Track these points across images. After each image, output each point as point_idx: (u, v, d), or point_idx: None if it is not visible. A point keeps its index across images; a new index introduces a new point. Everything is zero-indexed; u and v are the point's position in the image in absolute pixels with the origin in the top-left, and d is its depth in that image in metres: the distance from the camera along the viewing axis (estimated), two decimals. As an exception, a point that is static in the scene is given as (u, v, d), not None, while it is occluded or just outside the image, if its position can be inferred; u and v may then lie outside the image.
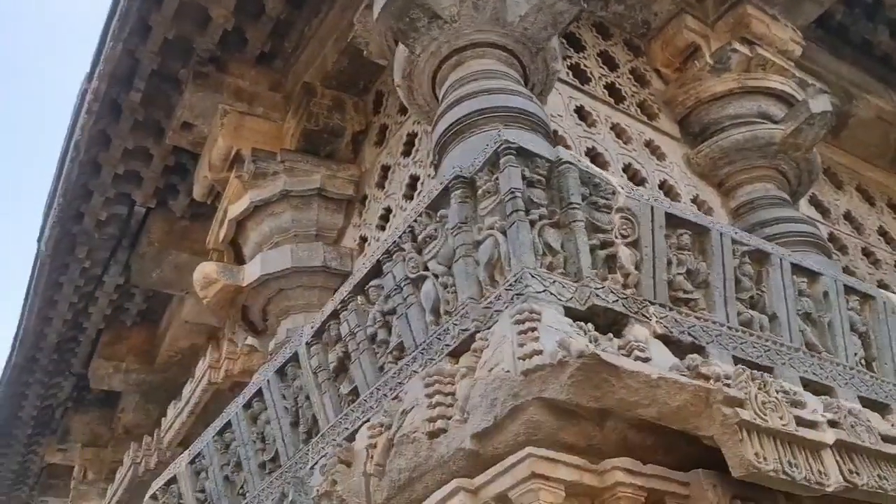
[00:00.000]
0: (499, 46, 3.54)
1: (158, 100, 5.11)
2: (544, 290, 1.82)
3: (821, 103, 4.14)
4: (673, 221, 2.21)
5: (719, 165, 4.33)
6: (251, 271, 4.53)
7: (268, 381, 2.84)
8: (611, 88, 4.36)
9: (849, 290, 2.47)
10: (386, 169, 4.54)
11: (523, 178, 1.99)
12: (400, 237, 2.29)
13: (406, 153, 4.37)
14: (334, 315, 2.56)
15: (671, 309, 2.02)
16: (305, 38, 4.96)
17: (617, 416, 1.61)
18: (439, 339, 2.04)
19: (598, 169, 2.13)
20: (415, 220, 2.25)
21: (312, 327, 2.68)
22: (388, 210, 4.36)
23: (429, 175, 4.07)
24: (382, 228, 4.38)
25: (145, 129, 5.30)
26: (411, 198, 4.19)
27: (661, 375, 1.54)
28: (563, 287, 1.87)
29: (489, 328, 1.87)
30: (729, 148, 4.27)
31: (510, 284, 1.89)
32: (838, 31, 5.26)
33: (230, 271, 4.55)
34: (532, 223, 1.96)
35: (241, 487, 2.98)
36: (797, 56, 4.64)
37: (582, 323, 1.76)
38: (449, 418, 1.77)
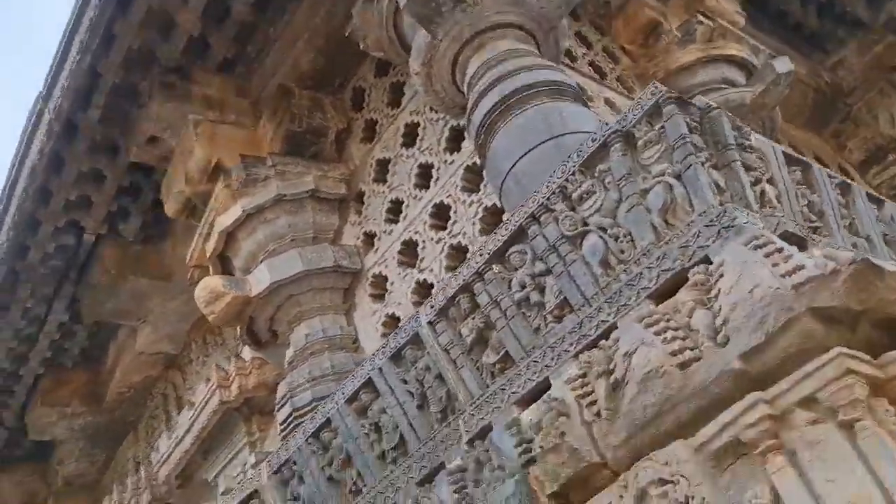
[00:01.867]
0: (515, 26, 3.67)
1: (116, 117, 4.84)
2: (748, 222, 1.96)
3: (784, 64, 4.55)
4: (787, 159, 2.41)
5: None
6: (259, 280, 4.38)
7: (379, 369, 2.80)
8: (593, 66, 4.57)
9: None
10: (384, 163, 4.53)
11: (686, 125, 2.12)
12: (548, 199, 2.35)
13: (408, 144, 4.39)
14: (464, 289, 2.58)
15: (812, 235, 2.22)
16: (270, 40, 4.85)
17: (867, 318, 1.77)
18: (631, 285, 2.13)
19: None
20: (566, 180, 2.32)
21: (433, 307, 2.67)
22: (397, 202, 4.36)
23: (444, 161, 4.12)
24: (392, 221, 4.38)
25: (101, 150, 5.00)
26: (424, 186, 4.21)
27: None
28: (754, 217, 2.02)
29: (701, 262, 1.98)
30: (705, 112, 4.59)
31: (712, 220, 2.01)
32: (758, 4, 5.76)
33: (237, 283, 4.38)
34: (701, 165, 2.09)
35: (354, 483, 2.92)
36: (741, 26, 5.05)
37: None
38: (693, 348, 1.87)
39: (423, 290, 4.10)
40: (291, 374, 4.25)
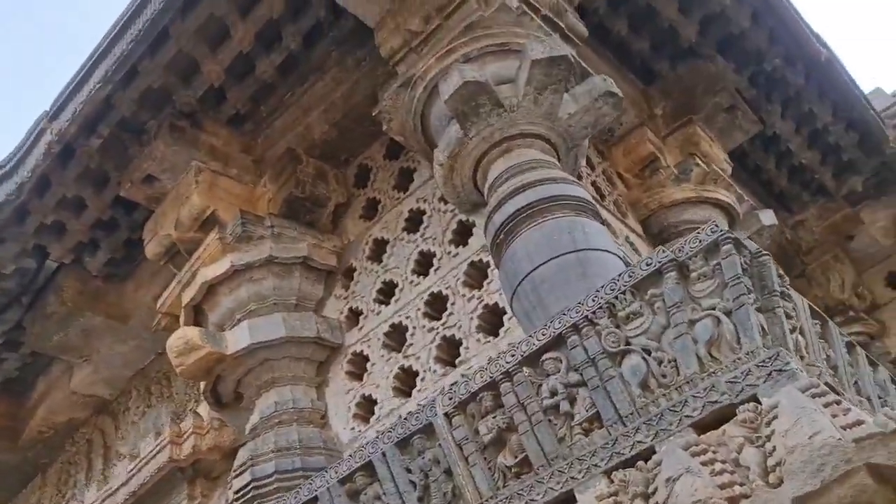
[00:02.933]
0: (543, 138, 3.83)
1: (116, 150, 4.77)
2: (799, 369, 2.06)
3: (769, 217, 4.86)
4: (812, 313, 2.56)
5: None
6: (238, 339, 4.28)
7: (383, 453, 2.75)
8: (595, 186, 4.77)
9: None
10: (381, 243, 4.56)
11: (741, 266, 2.25)
12: (594, 312, 2.42)
13: (410, 230, 4.44)
14: (490, 386, 2.59)
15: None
16: (284, 104, 4.91)
17: (911, 478, 1.87)
18: (674, 411, 2.19)
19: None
20: (615, 297, 2.40)
21: (451, 399, 2.67)
22: (390, 284, 4.37)
23: (448, 252, 4.18)
24: (382, 302, 4.38)
25: (91, 180, 4.89)
26: (422, 273, 4.25)
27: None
28: (800, 364, 2.13)
29: (750, 400, 2.06)
30: (692, 249, 4.82)
31: (763, 361, 2.11)
32: (737, 157, 6.15)
33: (213, 338, 4.26)
34: (751, 306, 2.21)
35: (332, 571, 2.81)
36: (728, 174, 5.38)
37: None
38: (743, 484, 1.92)
39: (406, 376, 4.08)
40: (255, 442, 4.10)
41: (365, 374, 4.26)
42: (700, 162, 5.03)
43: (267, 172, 4.86)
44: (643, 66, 5.30)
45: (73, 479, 5.97)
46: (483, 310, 3.86)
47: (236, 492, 3.98)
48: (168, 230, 4.72)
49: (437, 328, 4.01)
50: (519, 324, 3.49)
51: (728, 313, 2.24)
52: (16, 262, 5.18)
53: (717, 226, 2.34)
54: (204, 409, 4.69)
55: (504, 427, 2.54)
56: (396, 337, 4.22)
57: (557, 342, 2.49)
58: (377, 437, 2.82)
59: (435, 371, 3.91)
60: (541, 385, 2.50)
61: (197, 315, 4.66)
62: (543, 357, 2.51)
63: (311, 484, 2.94)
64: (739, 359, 2.18)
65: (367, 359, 4.28)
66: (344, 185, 4.91)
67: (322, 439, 4.11)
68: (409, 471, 2.71)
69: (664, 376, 2.28)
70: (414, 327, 4.12)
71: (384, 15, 4.18)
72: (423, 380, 3.95)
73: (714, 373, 2.20)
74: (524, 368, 2.54)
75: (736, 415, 2.07)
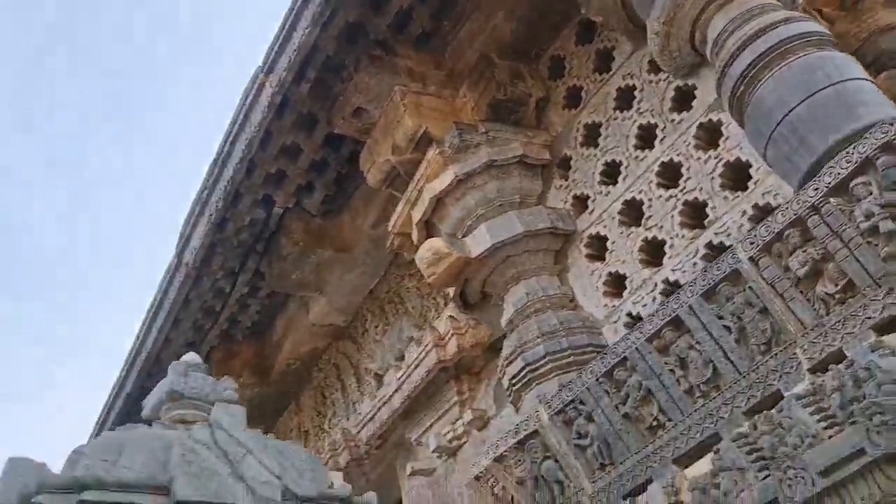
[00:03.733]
0: (761, -20, 3.72)
1: (321, 90, 5.04)
2: None
3: None
4: None
5: (901, 92, 4.63)
6: (479, 241, 4.53)
7: (689, 306, 2.91)
8: (800, 26, 4.59)
9: None
10: (592, 127, 4.63)
11: None
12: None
13: (622, 108, 4.48)
14: (795, 223, 2.67)
15: None
16: (465, 14, 4.99)
17: None
18: None
19: None
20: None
21: (753, 243, 2.76)
22: (613, 164, 4.46)
23: (671, 120, 4.20)
24: (607, 183, 4.48)
25: (304, 124, 5.20)
26: (646, 147, 4.31)
27: None
28: None
29: None
30: (916, 71, 4.58)
31: None
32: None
33: (457, 244, 4.53)
34: None
35: (655, 419, 3.03)
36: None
37: None
38: None
39: (651, 247, 4.19)
40: (517, 331, 4.38)
41: (606, 254, 4.41)
42: (909, -23, 4.72)
43: (464, 83, 5.00)
44: None
45: (328, 399, 6.57)
46: (724, 167, 3.89)
47: (511, 377, 4.28)
48: (386, 156, 4.99)
49: (676, 195, 4.08)
50: (774, 171, 3.50)
51: None
52: (250, 213, 5.64)
53: None
54: (453, 311, 5.01)
55: (819, 258, 2.62)
56: (631, 213, 4.33)
57: (865, 166, 2.52)
58: (678, 293, 2.97)
59: (683, 236, 4.01)
60: (852, 211, 2.54)
61: (429, 229, 4.95)
62: (853, 183, 2.54)
63: (615, 348, 3.15)
64: None
65: (605, 239, 4.43)
66: (540, 79, 4.98)
67: (579, 319, 4.33)
68: (720, 317, 2.85)
69: None
70: (650, 199, 4.21)
71: None
72: (671, 246, 4.05)
73: None
74: (831, 199, 2.59)
75: None
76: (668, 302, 3.00)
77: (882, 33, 4.75)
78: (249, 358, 6.96)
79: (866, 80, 3.31)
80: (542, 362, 4.19)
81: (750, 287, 2.77)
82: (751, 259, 2.76)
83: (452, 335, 4.83)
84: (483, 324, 4.90)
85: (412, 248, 5.08)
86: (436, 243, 4.51)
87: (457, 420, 4.96)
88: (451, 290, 4.87)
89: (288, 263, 5.95)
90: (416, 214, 4.90)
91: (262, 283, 6.32)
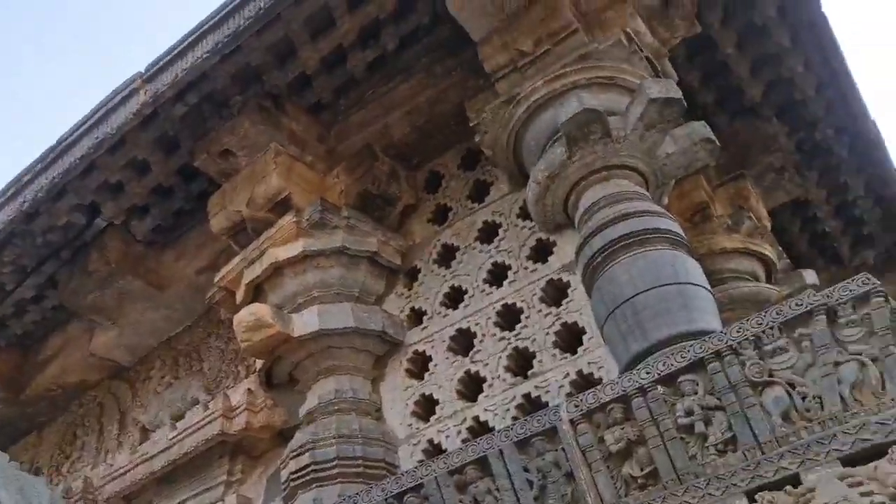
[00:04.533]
0: (639, 172, 4.02)
1: (195, 120, 4.81)
2: (945, 417, 2.26)
3: (811, 276, 5.12)
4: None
5: (723, 310, 5.08)
6: (307, 322, 4.33)
7: (500, 450, 2.86)
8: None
9: None
10: (450, 248, 4.67)
11: (889, 318, 2.45)
12: (739, 343, 2.59)
13: (483, 240, 4.57)
14: (621, 399, 2.73)
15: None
16: (365, 100, 5.01)
17: None
18: (821, 443, 2.36)
19: None
20: (762, 332, 2.57)
21: (577, 406, 2.80)
22: (459, 289, 4.48)
23: (524, 267, 4.31)
24: (448, 306, 4.48)
25: (165, 145, 4.90)
26: (495, 284, 4.37)
27: None
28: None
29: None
30: (736, 297, 5.07)
31: (915, 408, 2.30)
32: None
33: (283, 318, 4.30)
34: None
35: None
36: (768, 229, 5.66)
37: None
38: (899, 516, 2.10)
39: (471, 381, 4.18)
40: (314, 426, 4.15)
41: (426, 374, 4.34)
42: (751, 216, 5.28)
43: (341, 164, 4.93)
44: (704, 118, 5.54)
45: (80, 440, 5.87)
46: (560, 327, 4.00)
47: (294, 472, 4.01)
48: (239, 206, 4.76)
49: (510, 339, 4.13)
50: (606, 345, 3.64)
51: (874, 360, 2.43)
52: (70, 214, 5.14)
53: (868, 278, 2.54)
54: (253, 385, 4.70)
55: (634, 439, 2.68)
56: (462, 342, 4.33)
57: (696, 366, 2.65)
58: (493, 435, 2.93)
59: (504, 379, 4.03)
60: (675, 404, 2.65)
61: (257, 294, 4.70)
62: (681, 378, 2.66)
63: (414, 472, 3.03)
64: (884, 403, 2.37)
65: (429, 359, 4.37)
66: (414, 187, 5.01)
67: (380, 432, 4.18)
68: (526, 470, 2.82)
69: (808, 410, 2.46)
70: (483, 334, 4.24)
71: (492, 31, 4.34)
72: (490, 386, 4.06)
73: (858, 413, 2.38)
74: (659, 386, 2.69)
75: (888, 453, 2.25)
76: (480, 440, 2.95)
77: (717, 255, 5.24)
78: (4, 369, 6.15)
79: (706, 289, 3.57)
80: (330, 464, 3.97)
81: (563, 448, 2.78)
82: (572, 422, 2.78)
83: (245, 410, 4.51)
84: (280, 407, 4.62)
85: (233, 307, 4.78)
86: (262, 310, 4.26)
87: (217, 501, 4.55)
88: (258, 363, 4.58)
89: (90, 281, 5.42)
90: (250, 275, 4.65)
91: (51, 292, 5.70)
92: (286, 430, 4.56)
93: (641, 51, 4.26)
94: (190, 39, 4.39)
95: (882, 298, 2.49)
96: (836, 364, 2.48)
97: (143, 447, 5.02)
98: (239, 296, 4.74)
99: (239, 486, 4.60)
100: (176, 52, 4.42)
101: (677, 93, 3.90)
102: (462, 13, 4.33)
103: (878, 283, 2.54)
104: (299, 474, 3.99)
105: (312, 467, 3.97)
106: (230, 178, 4.92)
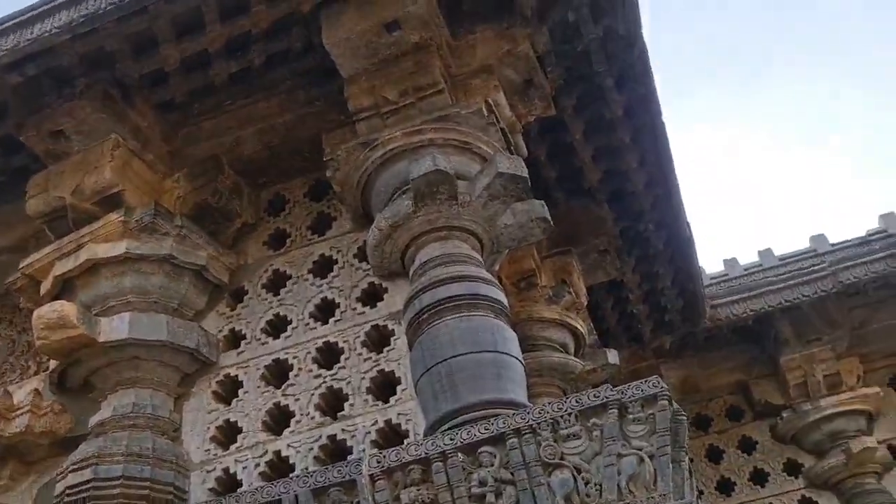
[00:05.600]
0: (478, 237, 4.20)
1: (30, 92, 4.48)
2: (698, 516, 2.52)
3: (614, 356, 5.53)
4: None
5: (531, 375, 5.38)
6: (116, 328, 4.11)
7: (296, 496, 2.85)
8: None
9: None
10: (281, 275, 4.62)
11: (668, 421, 2.70)
12: (538, 424, 2.75)
13: (317, 274, 4.56)
14: (422, 461, 2.81)
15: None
16: (221, 109, 4.89)
17: None
18: (592, 528, 2.55)
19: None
20: (561, 417, 2.75)
21: (379, 462, 2.85)
22: (283, 319, 4.43)
23: (353, 308, 4.34)
24: (269, 334, 4.42)
25: (-9, 110, 4.52)
26: (320, 320, 4.37)
27: None
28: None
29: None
30: (546, 365, 5.39)
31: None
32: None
33: (90, 322, 4.05)
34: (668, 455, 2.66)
35: None
36: (584, 305, 6.06)
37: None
38: None
39: (280, 414, 4.13)
40: (103, 439, 3.92)
41: (234, 400, 4.24)
42: (571, 291, 5.64)
43: (183, 170, 4.76)
44: (544, 191, 5.88)
45: None
46: (377, 374, 4.05)
47: (71, 486, 3.75)
48: (63, 193, 4.46)
49: (325, 378, 4.13)
50: (418, 398, 3.73)
51: (651, 457, 2.67)
52: None
53: (659, 381, 2.79)
54: (40, 385, 4.37)
55: (427, 501, 2.77)
56: (278, 372, 4.27)
57: (497, 439, 2.79)
58: (292, 479, 2.91)
59: (313, 417, 4.01)
60: (472, 472, 2.77)
61: (66, 288, 4.41)
62: (481, 449, 2.79)
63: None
64: (653, 498, 2.61)
65: (240, 384, 4.27)
66: (255, 207, 4.92)
67: (174, 454, 4.02)
68: (318, 520, 2.83)
69: (588, 496, 2.66)
70: (300, 369, 4.21)
71: (362, 72, 4.39)
72: (298, 422, 4.02)
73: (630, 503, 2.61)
74: (459, 454, 2.80)
75: (648, 545, 2.48)
76: (277, 483, 2.93)
77: (535, 322, 5.54)
78: None
79: (519, 361, 3.76)
80: (114, 483, 3.76)
81: (359, 502, 2.82)
82: (371, 477, 2.83)
83: (28, 411, 4.17)
84: (68, 413, 4.32)
85: (36, 297, 4.46)
86: (67, 309, 3.99)
87: (-21, 507, 4.16)
88: (52, 363, 4.27)
89: None
90: (62, 267, 4.35)
91: None
92: (69, 439, 4.26)
93: (499, 122, 4.46)
94: (41, 10, 4.10)
95: (666, 401, 2.76)
96: (620, 456, 2.70)
97: None
98: (45, 287, 4.42)
99: (3, 492, 4.24)
100: (21, 18, 4.12)
101: (524, 171, 4.11)
102: (336, 48, 4.35)
103: (665, 387, 2.81)
104: (77, 489, 3.75)
105: (93, 484, 3.74)
106: (58, 160, 4.61)
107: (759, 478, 7.40)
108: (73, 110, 4.45)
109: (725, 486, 7.40)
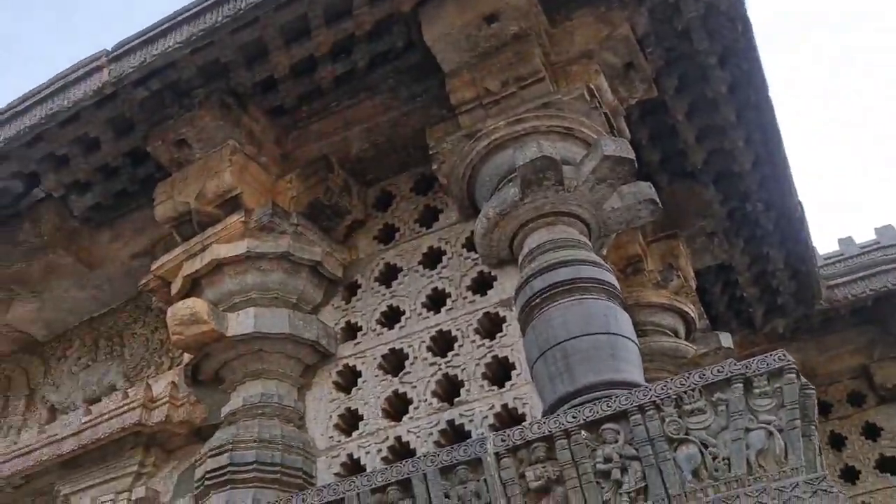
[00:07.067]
0: (585, 222, 4.21)
1: (155, 105, 4.77)
2: (839, 492, 2.48)
3: (727, 339, 5.41)
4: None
5: (642, 360, 5.33)
6: (242, 323, 4.34)
7: (424, 474, 2.95)
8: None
9: None
10: (392, 268, 4.76)
11: (797, 394, 2.66)
12: (662, 400, 2.76)
13: (426, 265, 4.67)
14: (546, 439, 2.87)
15: None
16: (328, 111, 5.06)
17: None
18: (725, 502, 2.55)
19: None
20: (684, 392, 2.75)
21: (504, 441, 2.92)
22: (396, 310, 4.57)
23: (464, 297, 4.43)
24: (384, 324, 4.56)
25: (119, 125, 4.84)
26: (432, 309, 4.47)
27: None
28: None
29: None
30: (657, 350, 5.32)
31: (811, 480, 2.51)
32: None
33: (219, 316, 4.30)
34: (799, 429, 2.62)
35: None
36: (693, 289, 5.95)
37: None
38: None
39: (398, 401, 4.26)
40: (236, 427, 4.15)
41: (353, 388, 4.40)
42: (679, 274, 5.55)
43: (295, 170, 4.96)
44: (647, 175, 5.82)
45: (-20, 412, 5.67)
46: (491, 359, 4.12)
47: (210, 471, 4.00)
48: (187, 198, 4.74)
49: (440, 364, 4.23)
50: (534, 382, 3.78)
51: (780, 430, 2.64)
52: (7, 181, 5.01)
53: (784, 354, 2.75)
54: (176, 378, 4.66)
55: (554, 479, 2.82)
56: (393, 362, 4.41)
57: (620, 416, 2.82)
58: (419, 458, 3.02)
59: (431, 403, 4.13)
60: (596, 449, 2.80)
61: (194, 287, 4.68)
62: (604, 426, 2.82)
63: (336, 486, 3.10)
64: (785, 472, 2.57)
65: (359, 374, 4.43)
66: (364, 203, 5.09)
67: (301, 440, 4.21)
68: (447, 496, 2.92)
69: (716, 470, 2.65)
70: (415, 357, 4.33)
71: (463, 66, 4.48)
72: (416, 408, 4.15)
73: (761, 478, 2.58)
74: (583, 431, 2.84)
75: (783, 518, 2.45)
76: (405, 462, 3.04)
77: (643, 307, 5.48)
78: None
79: (634, 342, 3.76)
80: (248, 468, 3.98)
81: (485, 480, 2.90)
82: (496, 454, 2.90)
83: (166, 402, 4.46)
84: (202, 404, 4.59)
85: (167, 297, 4.75)
86: (199, 306, 4.25)
87: (124, 491, 4.47)
88: (185, 357, 4.55)
89: (17, 251, 5.28)
90: (189, 268, 4.63)
91: (-28, 255, 5.51)
92: (204, 428, 4.53)
93: (601, 107, 4.46)
94: (164, 27, 4.37)
95: (794, 375, 2.71)
96: (747, 430, 2.68)
97: (52, 427, 4.90)
98: (175, 287, 4.71)
99: (149, 478, 4.54)
100: (147, 36, 4.40)
101: (630, 153, 4.10)
102: (436, 44, 4.45)
103: (792, 360, 2.76)
104: (215, 474, 3.98)
105: (230, 468, 3.97)
106: (181, 168, 4.89)
107: (886, 465, 7.07)
108: (193, 120, 4.72)
109: (850, 474, 7.10)
